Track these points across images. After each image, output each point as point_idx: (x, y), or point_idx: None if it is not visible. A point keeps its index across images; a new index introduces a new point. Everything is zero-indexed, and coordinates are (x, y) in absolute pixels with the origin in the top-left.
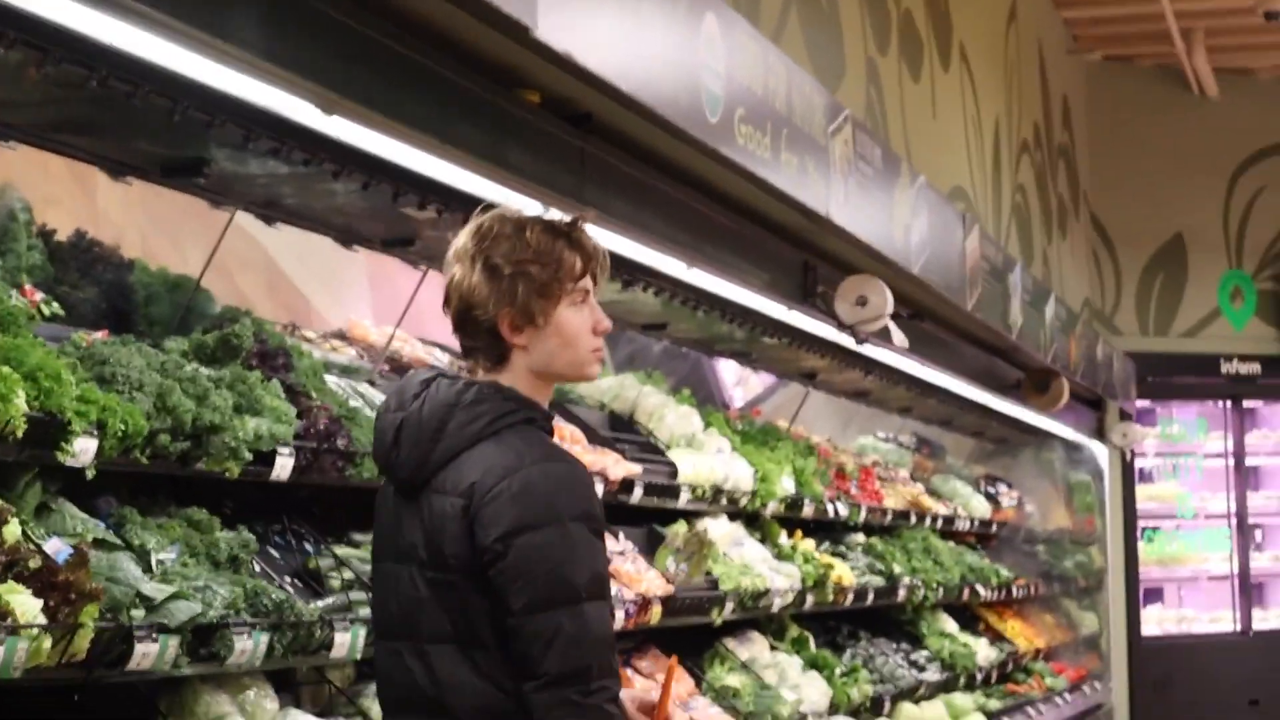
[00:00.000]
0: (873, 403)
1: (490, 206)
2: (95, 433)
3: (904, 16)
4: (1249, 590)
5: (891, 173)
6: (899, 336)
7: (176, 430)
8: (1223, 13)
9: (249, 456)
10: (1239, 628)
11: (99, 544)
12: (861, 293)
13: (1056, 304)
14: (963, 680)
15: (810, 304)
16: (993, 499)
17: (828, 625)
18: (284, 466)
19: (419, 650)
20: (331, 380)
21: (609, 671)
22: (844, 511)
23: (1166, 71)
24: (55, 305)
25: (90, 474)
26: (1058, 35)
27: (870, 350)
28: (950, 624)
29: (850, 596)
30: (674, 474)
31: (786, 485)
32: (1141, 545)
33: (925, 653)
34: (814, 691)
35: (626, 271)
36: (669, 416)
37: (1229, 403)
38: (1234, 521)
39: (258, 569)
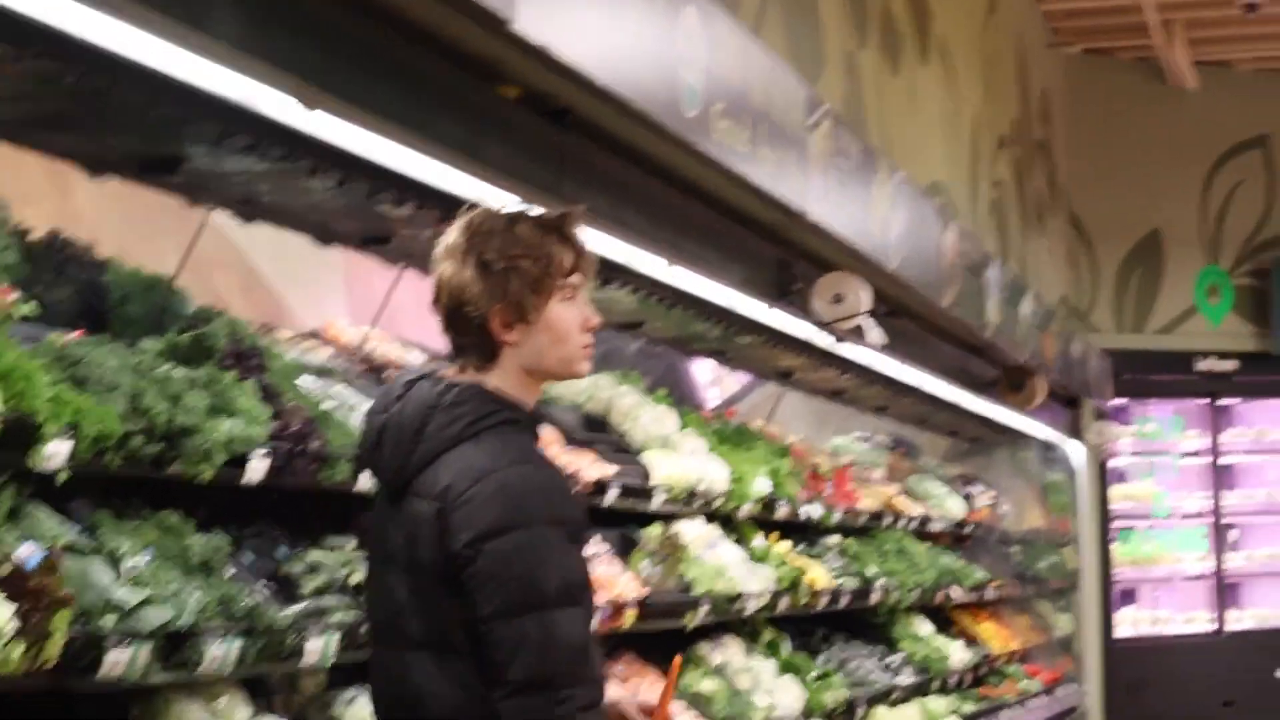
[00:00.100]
0: (848, 402)
1: (473, 205)
2: (69, 435)
3: (883, 10)
4: (1224, 591)
5: (869, 168)
6: (876, 334)
7: (150, 433)
8: (1202, 5)
9: (223, 459)
10: (1214, 628)
11: (70, 549)
12: (838, 290)
13: (1033, 301)
14: (936, 684)
15: (787, 301)
16: (967, 499)
17: (802, 628)
18: (258, 469)
19: (400, 657)
20: (307, 381)
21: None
22: (819, 513)
23: (1145, 65)
24: (31, 305)
25: (63, 477)
26: (1037, 29)
27: (846, 349)
28: (925, 626)
29: (824, 599)
30: (648, 476)
31: (762, 486)
32: (1116, 546)
33: (899, 656)
34: (787, 697)
35: (604, 269)
36: (644, 417)
37: (1205, 400)
38: (1210, 521)
39: (231, 573)
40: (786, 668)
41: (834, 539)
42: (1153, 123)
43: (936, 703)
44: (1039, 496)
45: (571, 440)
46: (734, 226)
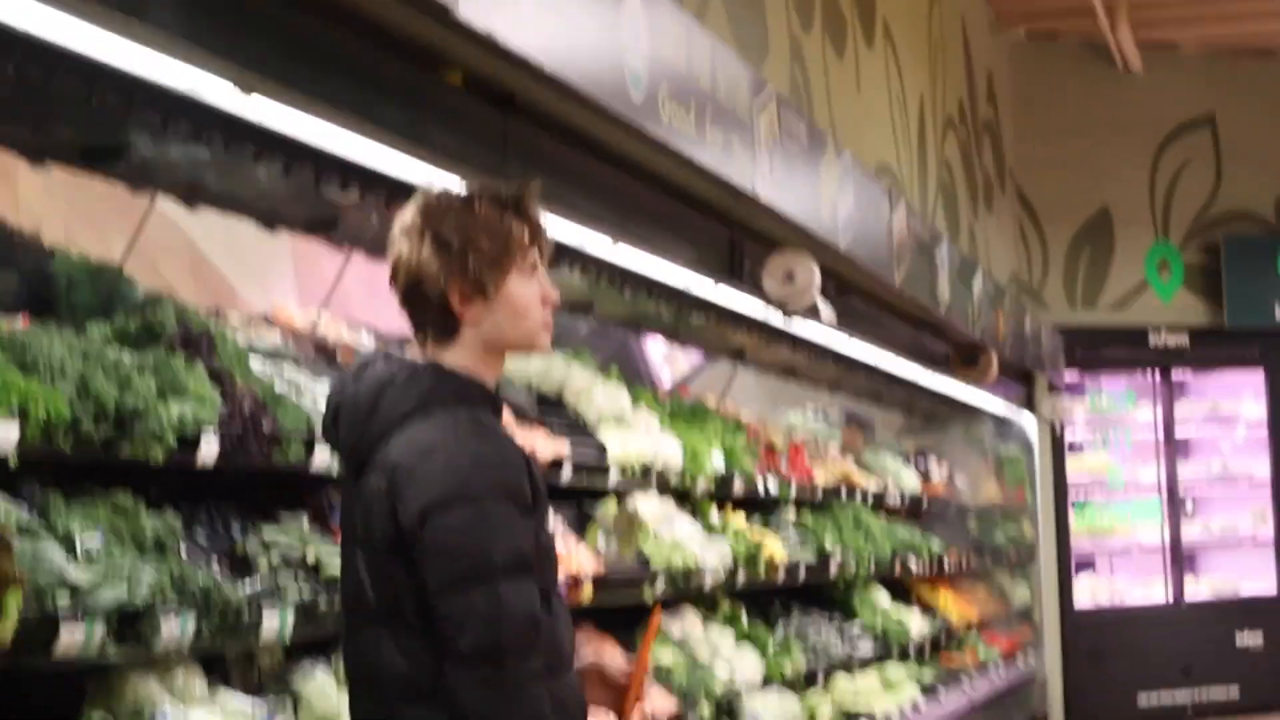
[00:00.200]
0: (801, 379)
1: (424, 190)
2: (17, 419)
3: None
4: (1180, 561)
5: (817, 149)
6: (827, 312)
7: (100, 416)
8: None
9: (173, 441)
10: (1170, 598)
11: (23, 530)
12: (788, 268)
13: (984, 278)
14: (896, 653)
15: (737, 280)
16: (923, 473)
17: (761, 602)
18: (209, 451)
19: (360, 631)
20: (256, 364)
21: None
22: (774, 488)
23: (1091, 46)
24: None
25: (13, 463)
26: (981, 12)
27: (798, 327)
28: (883, 598)
29: (782, 572)
30: (603, 453)
31: (716, 462)
32: (1072, 517)
33: (858, 626)
34: (747, 666)
35: (554, 252)
36: (597, 395)
37: (1158, 374)
38: (1164, 492)
39: (184, 554)
40: (746, 638)
41: (790, 513)
42: (1099, 103)
43: (897, 671)
44: (995, 470)
45: (525, 418)
46: (683, 209)
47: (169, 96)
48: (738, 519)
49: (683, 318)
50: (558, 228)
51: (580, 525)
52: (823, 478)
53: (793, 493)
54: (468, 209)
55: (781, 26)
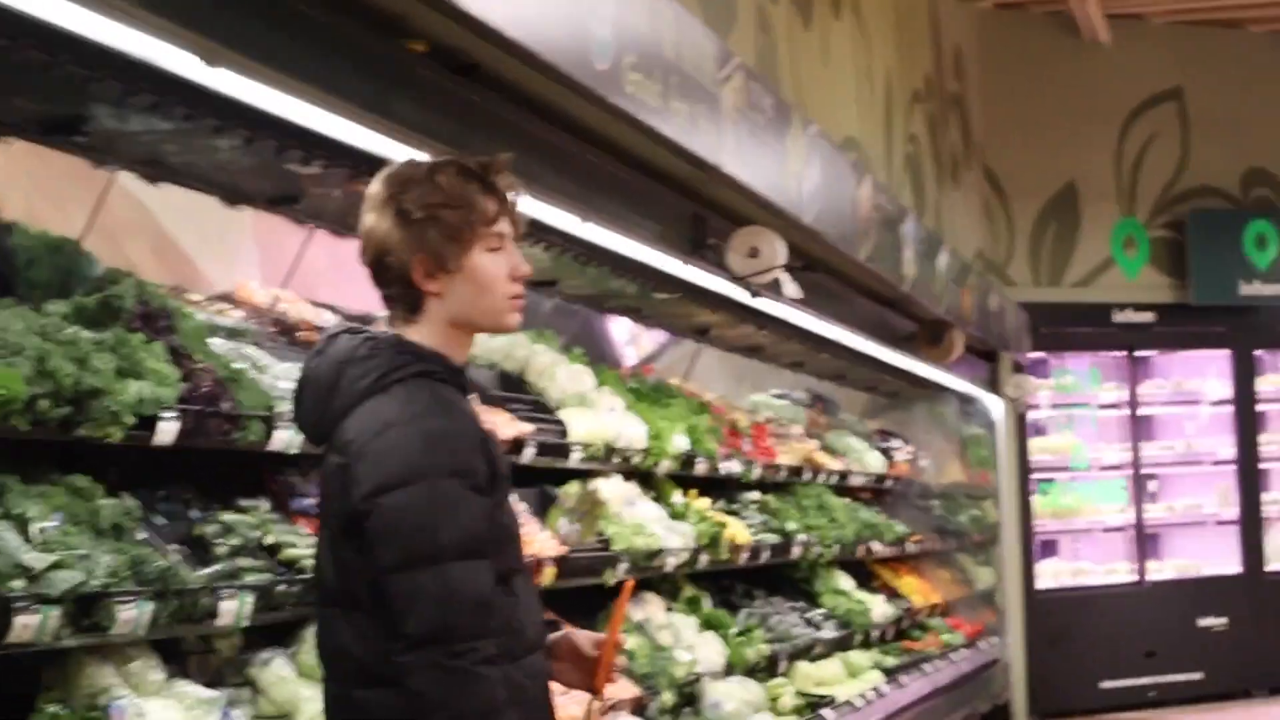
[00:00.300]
0: (766, 359)
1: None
2: None
3: None
4: (1144, 541)
5: (783, 122)
6: (792, 288)
7: (57, 395)
8: None
9: (132, 421)
10: (1135, 579)
11: None
12: (753, 244)
13: (949, 255)
14: (859, 638)
15: (701, 256)
16: (887, 454)
17: (722, 584)
18: (168, 431)
19: (322, 611)
20: (218, 343)
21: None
22: (738, 469)
23: (1058, 18)
24: None
25: None
26: None
27: (763, 304)
28: (846, 581)
29: (745, 555)
30: (565, 433)
31: (680, 443)
32: (1036, 498)
33: (821, 611)
34: (709, 652)
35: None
36: (560, 375)
37: (1123, 353)
38: (1129, 472)
39: (142, 537)
40: (708, 623)
41: (753, 495)
42: (1066, 76)
43: (859, 656)
44: (958, 450)
45: (487, 398)
46: (647, 181)
47: (129, 65)
48: (701, 501)
49: (646, 294)
50: (522, 202)
51: (542, 507)
52: (786, 459)
53: (756, 474)
54: (431, 180)
55: None
